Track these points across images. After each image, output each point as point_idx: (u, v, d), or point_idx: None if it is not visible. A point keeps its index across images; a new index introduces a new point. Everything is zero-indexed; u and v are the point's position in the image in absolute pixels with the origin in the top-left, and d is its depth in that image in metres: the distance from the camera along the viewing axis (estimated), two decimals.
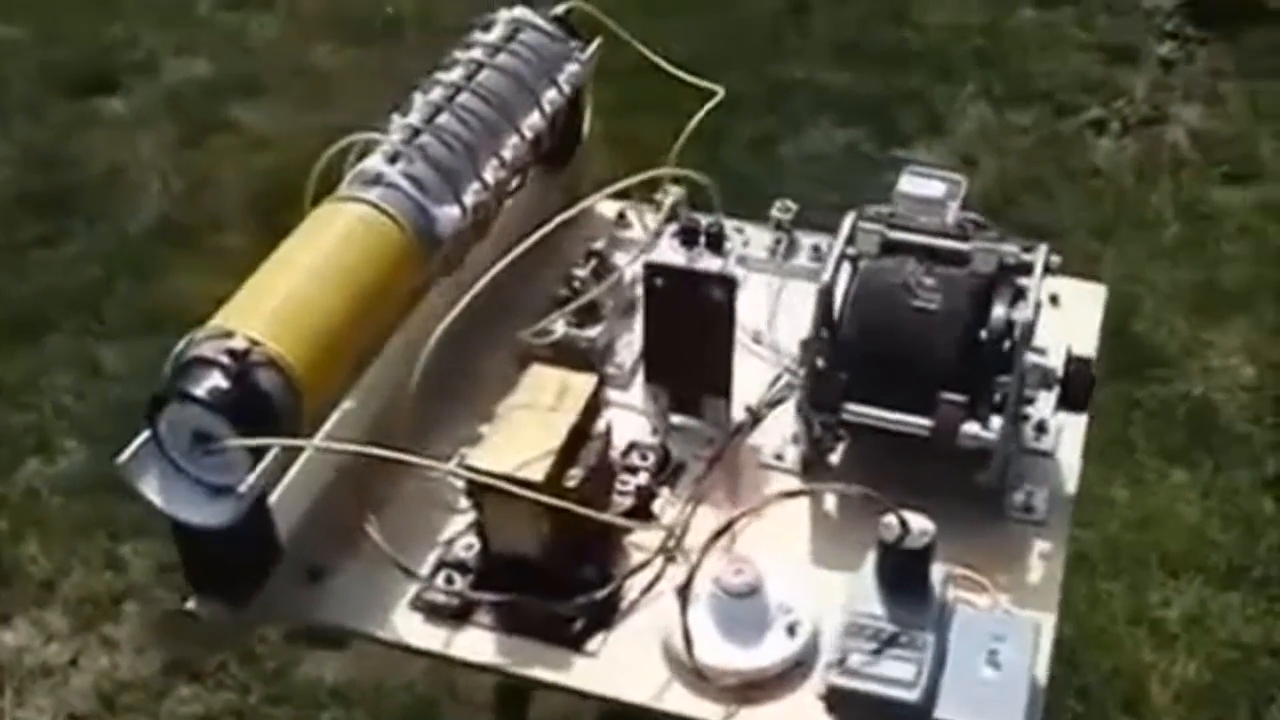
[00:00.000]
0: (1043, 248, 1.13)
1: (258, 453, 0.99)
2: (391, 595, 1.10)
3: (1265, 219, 2.56)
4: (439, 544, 1.13)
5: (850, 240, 1.14)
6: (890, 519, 0.98)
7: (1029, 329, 1.06)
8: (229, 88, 3.14)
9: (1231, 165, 2.72)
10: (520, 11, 1.39)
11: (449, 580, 1.09)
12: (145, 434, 1.02)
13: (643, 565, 1.10)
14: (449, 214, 1.19)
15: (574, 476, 1.06)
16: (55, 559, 2.04)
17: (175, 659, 1.89)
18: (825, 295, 1.10)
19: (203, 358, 0.99)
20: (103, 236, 2.69)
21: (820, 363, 1.11)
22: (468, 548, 1.11)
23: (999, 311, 1.10)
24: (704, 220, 1.18)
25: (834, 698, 0.95)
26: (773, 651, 1.02)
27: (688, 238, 1.19)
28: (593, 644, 1.06)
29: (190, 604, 1.07)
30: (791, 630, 1.03)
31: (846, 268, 1.16)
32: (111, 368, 2.41)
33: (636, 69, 1.45)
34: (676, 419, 1.23)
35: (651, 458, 1.18)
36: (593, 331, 1.29)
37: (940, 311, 1.10)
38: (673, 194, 1.19)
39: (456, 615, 1.08)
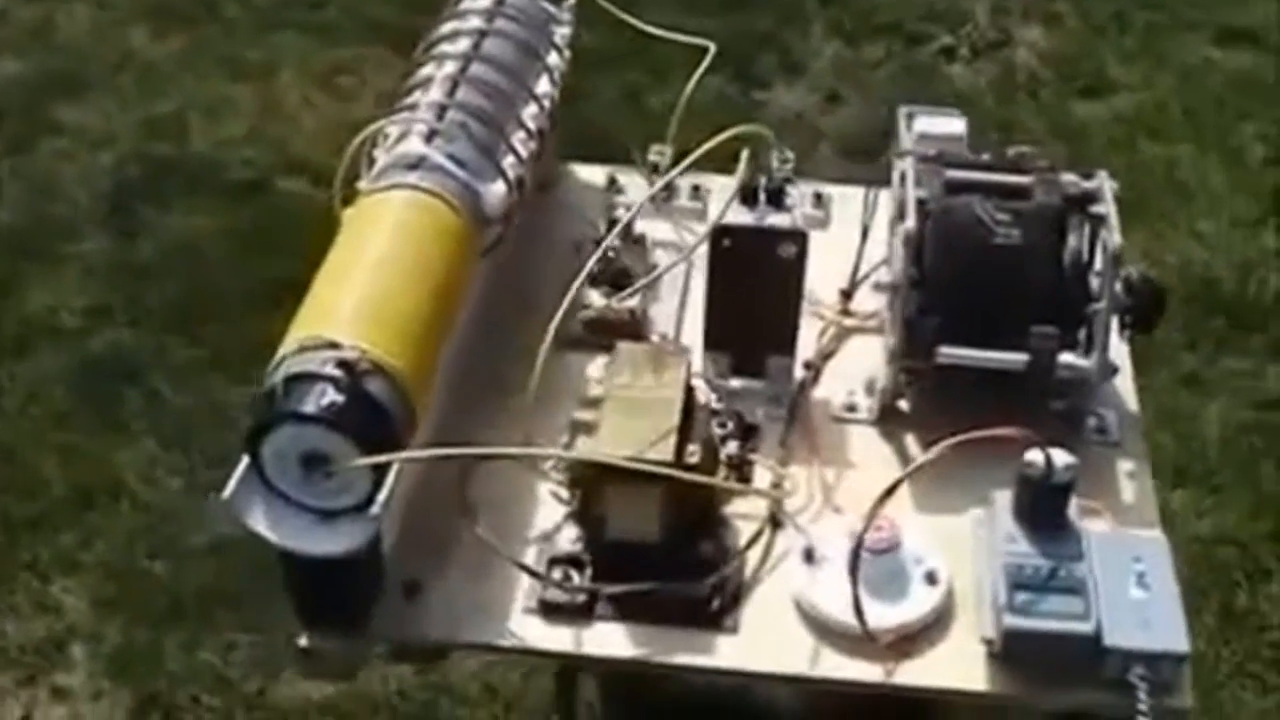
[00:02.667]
0: (1102, 174, 1.14)
1: (379, 469, 0.92)
2: (500, 601, 1.04)
3: (1130, 131, 2.68)
4: (533, 540, 1.07)
5: (917, 184, 1.13)
6: (1034, 455, 0.98)
7: (1119, 254, 1.07)
8: (47, 86, 2.91)
9: (1084, 81, 2.84)
10: None
11: (566, 577, 1.04)
12: (244, 465, 0.93)
13: (758, 534, 1.07)
14: (496, 190, 1.13)
15: (693, 452, 1.03)
16: None
17: (140, 698, 1.76)
18: (912, 242, 1.08)
19: (309, 373, 0.91)
20: None
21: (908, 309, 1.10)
22: (574, 540, 1.06)
23: (1074, 241, 1.11)
24: (761, 178, 1.15)
25: (1008, 640, 0.95)
26: (923, 602, 1.01)
27: (748, 196, 1.15)
28: (731, 620, 1.03)
29: (303, 641, 0.99)
30: (931, 579, 1.02)
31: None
32: None
33: None
34: (735, 382, 1.20)
35: (731, 425, 1.15)
36: (631, 302, 1.25)
37: (1023, 246, 1.10)
38: (744, 156, 1.15)
39: (579, 612, 1.03)
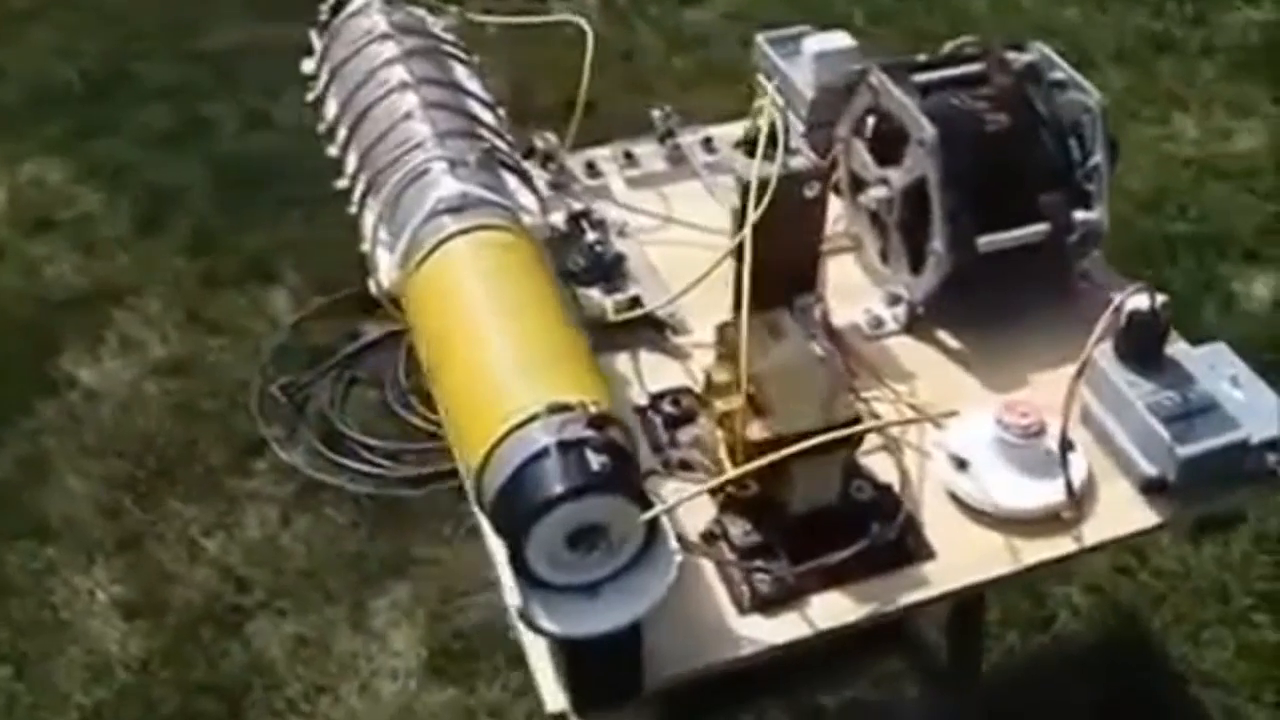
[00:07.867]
0: (1037, 44, 1.23)
1: (653, 523, 0.86)
2: (711, 616, 1.01)
3: (743, 28, 2.82)
4: (697, 543, 1.04)
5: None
6: (1140, 300, 1.07)
7: (1104, 109, 1.17)
8: None
9: None
10: None
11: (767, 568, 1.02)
12: (510, 571, 0.83)
13: (901, 465, 1.10)
14: (530, 203, 1.07)
15: (850, 403, 1.03)
16: None
17: None
18: (938, 148, 1.13)
19: (564, 443, 0.82)
20: None
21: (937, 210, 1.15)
22: (746, 532, 1.04)
23: (1044, 109, 1.20)
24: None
25: (1184, 468, 1.04)
26: (1078, 467, 1.07)
27: (750, 149, 1.15)
28: (925, 548, 1.05)
29: None
30: (1069, 445, 1.09)
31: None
32: None
33: None
34: None
35: None
36: (635, 290, 1.22)
37: (1011, 127, 1.17)
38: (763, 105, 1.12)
39: (792, 595, 1.01)
